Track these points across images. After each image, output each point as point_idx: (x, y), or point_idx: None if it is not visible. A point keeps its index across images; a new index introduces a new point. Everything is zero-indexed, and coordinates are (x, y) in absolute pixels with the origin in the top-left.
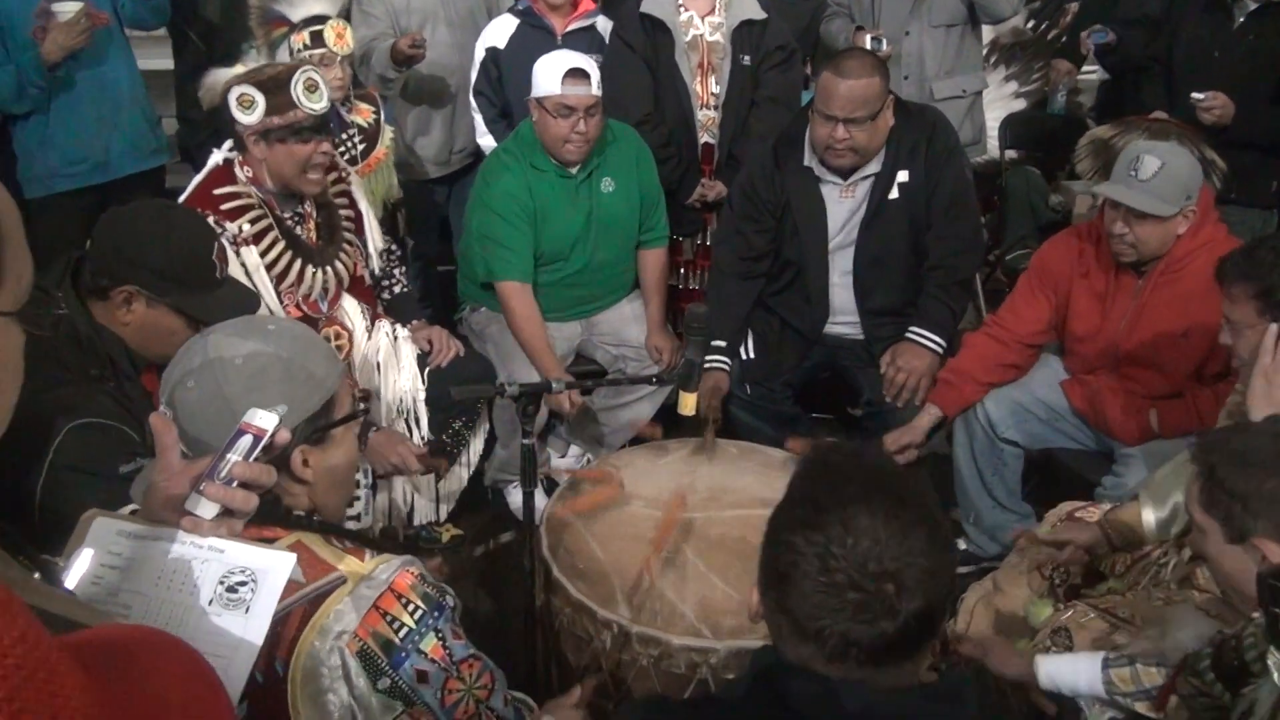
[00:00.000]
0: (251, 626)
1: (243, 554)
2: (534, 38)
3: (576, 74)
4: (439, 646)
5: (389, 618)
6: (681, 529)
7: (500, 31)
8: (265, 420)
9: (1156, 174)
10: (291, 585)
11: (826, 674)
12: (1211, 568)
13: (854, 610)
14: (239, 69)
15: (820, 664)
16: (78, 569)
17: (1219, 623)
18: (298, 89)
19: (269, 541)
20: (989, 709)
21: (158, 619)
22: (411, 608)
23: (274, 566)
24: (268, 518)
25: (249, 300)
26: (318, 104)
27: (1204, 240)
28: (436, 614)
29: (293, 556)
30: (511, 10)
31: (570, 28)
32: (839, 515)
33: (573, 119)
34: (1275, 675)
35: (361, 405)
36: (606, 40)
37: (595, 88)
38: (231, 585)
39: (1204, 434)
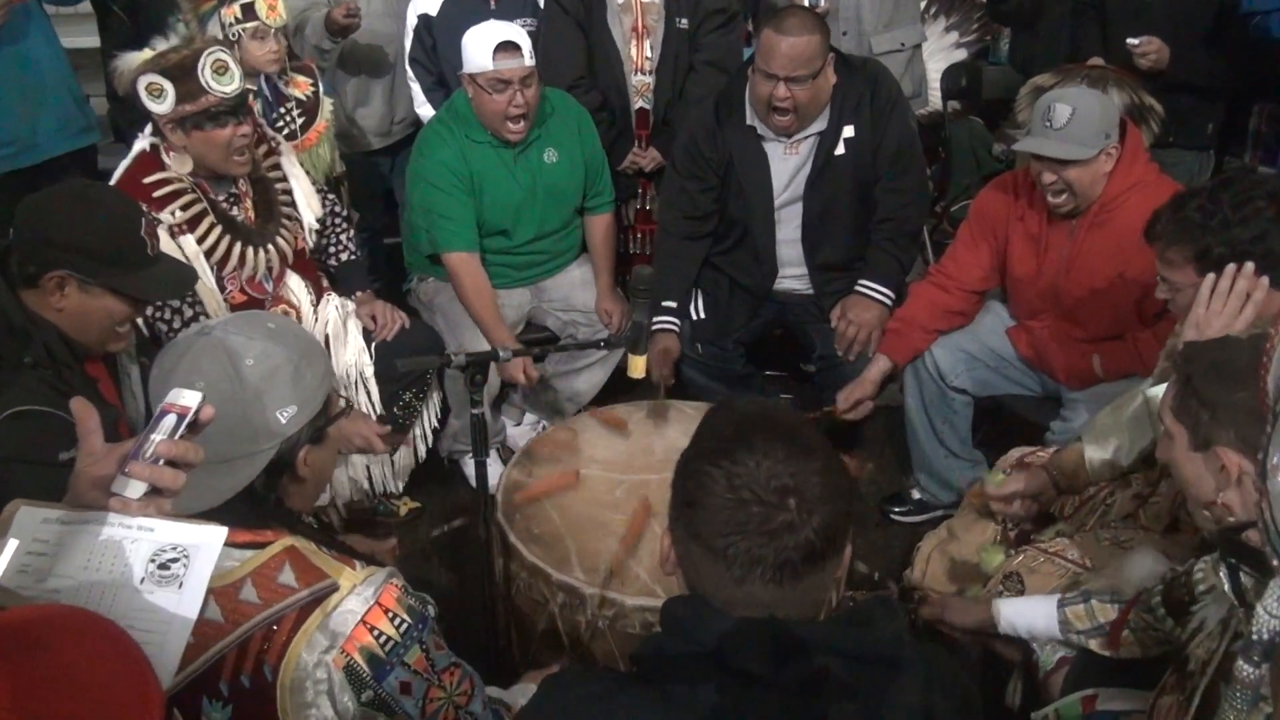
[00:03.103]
0: (185, 602)
1: (173, 531)
2: (467, 3)
3: (508, 47)
4: (422, 658)
5: (375, 632)
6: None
7: None
8: (189, 398)
9: (1070, 120)
10: (284, 590)
11: (738, 601)
12: (1174, 473)
13: (758, 524)
14: (148, 53)
15: (730, 587)
16: (2, 560)
17: (1169, 560)
18: (205, 73)
19: (262, 546)
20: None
21: (87, 601)
22: (397, 621)
23: (205, 541)
24: (271, 519)
25: (186, 275)
26: (228, 86)
27: (1136, 180)
28: (420, 626)
29: (223, 530)
30: None
31: None
32: (744, 443)
33: (509, 93)
34: (1225, 585)
35: (343, 401)
36: (540, 3)
37: (528, 58)
38: (163, 563)
39: (1190, 345)
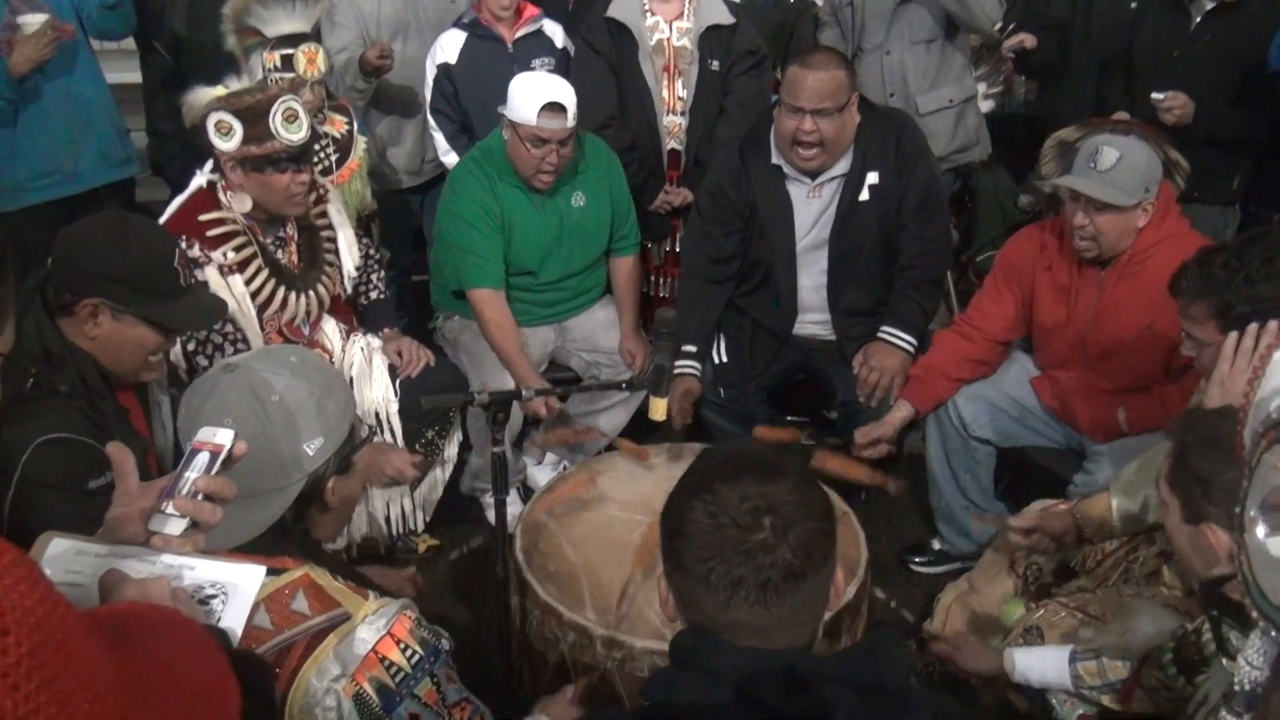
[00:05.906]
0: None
1: (212, 569)
2: (485, 49)
3: (554, 107)
4: (433, 691)
5: (386, 662)
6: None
7: (450, 46)
8: (222, 436)
9: (1115, 165)
10: (296, 616)
11: (725, 626)
12: (1171, 541)
13: (734, 545)
14: (220, 90)
15: (717, 611)
16: None
17: (1182, 617)
18: (276, 119)
19: (279, 573)
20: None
21: None
22: (409, 653)
23: (243, 580)
24: (298, 549)
25: (217, 306)
26: (296, 134)
27: (1166, 234)
28: (433, 659)
29: (262, 569)
30: (457, 25)
31: (520, 34)
32: (719, 475)
33: (544, 149)
34: (1225, 662)
35: (366, 429)
36: (556, 44)
37: (571, 119)
38: (202, 598)
39: (1191, 413)
